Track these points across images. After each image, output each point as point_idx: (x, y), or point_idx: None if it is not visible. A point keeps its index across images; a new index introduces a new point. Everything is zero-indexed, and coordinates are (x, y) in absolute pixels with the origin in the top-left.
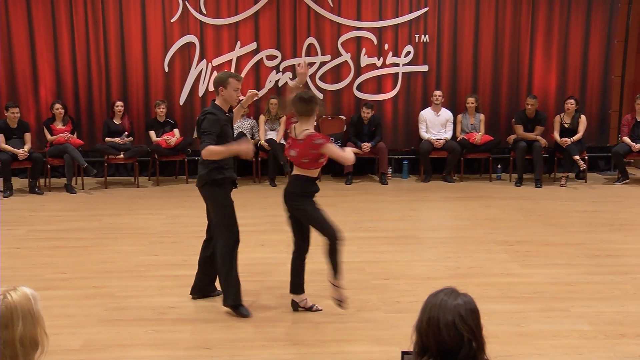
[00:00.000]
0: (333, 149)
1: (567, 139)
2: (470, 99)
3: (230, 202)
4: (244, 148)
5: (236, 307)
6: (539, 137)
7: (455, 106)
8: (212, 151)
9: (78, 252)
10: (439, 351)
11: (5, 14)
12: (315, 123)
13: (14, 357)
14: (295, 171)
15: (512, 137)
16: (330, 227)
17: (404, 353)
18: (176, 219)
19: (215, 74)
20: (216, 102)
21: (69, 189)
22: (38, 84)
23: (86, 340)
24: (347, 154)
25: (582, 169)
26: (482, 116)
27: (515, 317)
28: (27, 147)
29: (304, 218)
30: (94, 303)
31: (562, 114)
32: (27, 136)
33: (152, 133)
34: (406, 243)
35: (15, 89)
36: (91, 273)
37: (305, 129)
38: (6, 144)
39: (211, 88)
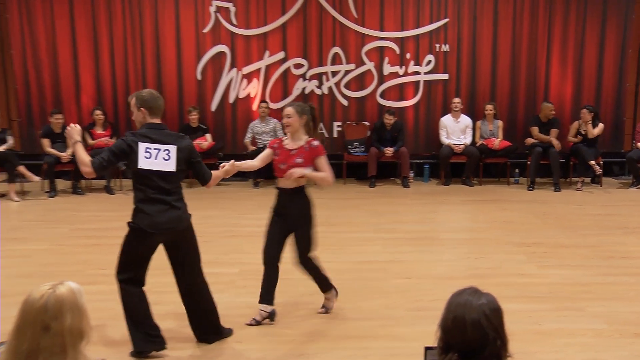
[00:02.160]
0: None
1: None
2: (489, 106)
3: None
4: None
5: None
6: (553, 140)
7: (474, 113)
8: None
9: (117, 250)
10: (463, 349)
11: (51, 28)
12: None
13: (63, 347)
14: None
15: (529, 140)
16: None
17: (427, 349)
18: (208, 219)
19: (245, 82)
20: None
21: (108, 190)
22: (80, 91)
23: (124, 333)
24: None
25: (597, 173)
26: (500, 122)
27: (532, 316)
28: (69, 151)
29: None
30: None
31: (579, 121)
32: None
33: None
34: (427, 244)
35: (59, 97)
36: None
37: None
38: (51, 147)
39: (241, 95)
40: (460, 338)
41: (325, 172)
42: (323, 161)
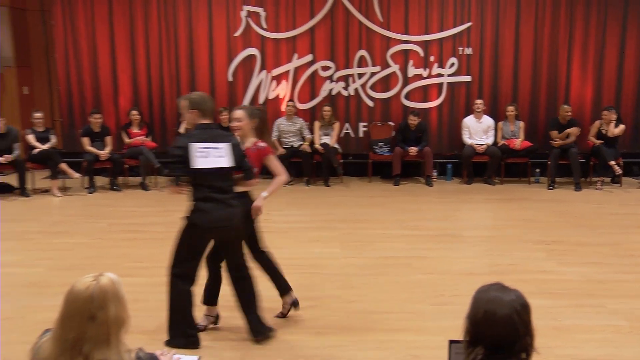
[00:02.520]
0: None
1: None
2: (510, 108)
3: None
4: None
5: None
6: (572, 130)
7: (496, 114)
8: None
9: (152, 244)
10: (492, 343)
11: (92, 34)
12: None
13: (107, 335)
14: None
15: (557, 142)
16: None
17: (451, 342)
18: None
19: (274, 83)
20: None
21: (144, 186)
22: (118, 93)
23: (160, 323)
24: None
25: (617, 173)
26: (521, 123)
27: (552, 312)
28: (108, 149)
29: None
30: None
31: (601, 121)
32: (108, 139)
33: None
34: (449, 241)
35: (98, 98)
36: (164, 263)
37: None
38: (90, 146)
39: (271, 96)
40: (490, 332)
41: (277, 173)
42: (273, 161)
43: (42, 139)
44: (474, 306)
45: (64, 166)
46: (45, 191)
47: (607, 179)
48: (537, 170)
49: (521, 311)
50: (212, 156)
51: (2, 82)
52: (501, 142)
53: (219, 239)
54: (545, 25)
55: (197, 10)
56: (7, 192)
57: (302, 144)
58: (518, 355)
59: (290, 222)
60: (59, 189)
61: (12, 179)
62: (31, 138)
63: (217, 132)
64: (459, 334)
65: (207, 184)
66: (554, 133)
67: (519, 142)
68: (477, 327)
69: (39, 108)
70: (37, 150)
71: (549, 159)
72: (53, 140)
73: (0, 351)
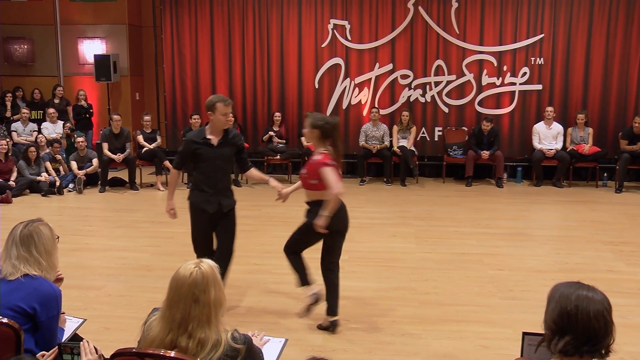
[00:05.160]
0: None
1: None
2: (580, 115)
3: (196, 224)
4: (167, 208)
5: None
6: None
7: (566, 120)
8: (170, 175)
9: (243, 235)
10: (584, 335)
11: (195, 46)
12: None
13: (208, 316)
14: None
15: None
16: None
17: (525, 334)
18: None
19: (357, 90)
20: (207, 126)
21: (236, 183)
22: None
23: (249, 307)
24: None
25: None
26: (590, 130)
27: (620, 310)
28: None
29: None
30: (255, 277)
31: None
32: None
33: (303, 139)
34: (519, 239)
35: (198, 102)
36: (253, 253)
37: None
38: None
39: (353, 102)
40: (582, 325)
41: (326, 187)
42: (325, 173)
43: (150, 139)
44: (561, 300)
45: (167, 163)
46: (151, 185)
47: None
48: (605, 174)
49: (609, 309)
50: None
51: (119, 89)
52: (570, 147)
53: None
54: (617, 35)
55: (288, 23)
56: (120, 185)
57: (376, 146)
58: (600, 351)
59: (371, 218)
60: (163, 184)
61: (123, 174)
62: (140, 138)
63: None
64: (527, 327)
65: None
66: (624, 142)
67: (587, 148)
68: (567, 319)
69: (148, 112)
70: (145, 149)
71: (618, 163)
72: (158, 140)
73: (114, 323)
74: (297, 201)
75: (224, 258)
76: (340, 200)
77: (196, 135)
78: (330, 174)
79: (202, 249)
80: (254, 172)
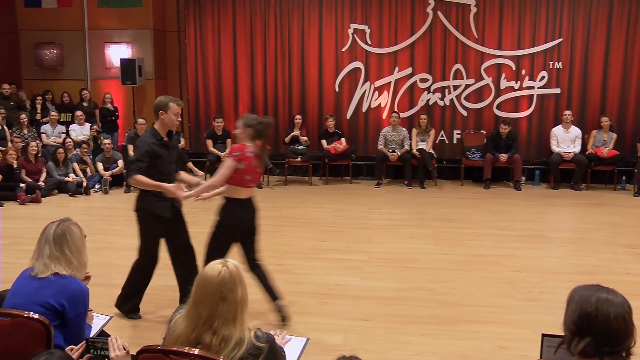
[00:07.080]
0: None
1: None
2: (604, 119)
3: (155, 233)
4: (171, 189)
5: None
6: None
7: (584, 124)
8: (138, 180)
9: (263, 236)
10: (604, 336)
11: (218, 50)
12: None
13: (234, 314)
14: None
15: None
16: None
17: (544, 335)
18: (341, 212)
19: (376, 93)
20: (155, 125)
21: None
22: (238, 100)
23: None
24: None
25: None
26: (614, 135)
27: (637, 313)
28: (227, 151)
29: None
30: (276, 277)
31: None
32: (229, 142)
33: (324, 141)
34: (536, 241)
35: (221, 105)
36: (274, 253)
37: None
38: (213, 147)
39: (373, 105)
40: (603, 327)
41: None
42: (223, 164)
43: None
44: (581, 302)
45: (190, 165)
46: None
47: None
48: (624, 177)
49: (630, 312)
50: None
51: (144, 92)
52: (589, 150)
53: None
54: (636, 39)
55: (309, 27)
56: None
57: (394, 150)
58: (620, 353)
59: (389, 219)
60: (185, 185)
61: None
62: None
63: None
64: (545, 329)
65: None
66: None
67: (606, 151)
68: (587, 321)
69: None
70: None
71: (636, 167)
72: (182, 142)
73: (138, 321)
74: (317, 203)
75: (193, 253)
76: (214, 188)
77: (150, 136)
78: (225, 166)
79: (155, 256)
80: (183, 174)
